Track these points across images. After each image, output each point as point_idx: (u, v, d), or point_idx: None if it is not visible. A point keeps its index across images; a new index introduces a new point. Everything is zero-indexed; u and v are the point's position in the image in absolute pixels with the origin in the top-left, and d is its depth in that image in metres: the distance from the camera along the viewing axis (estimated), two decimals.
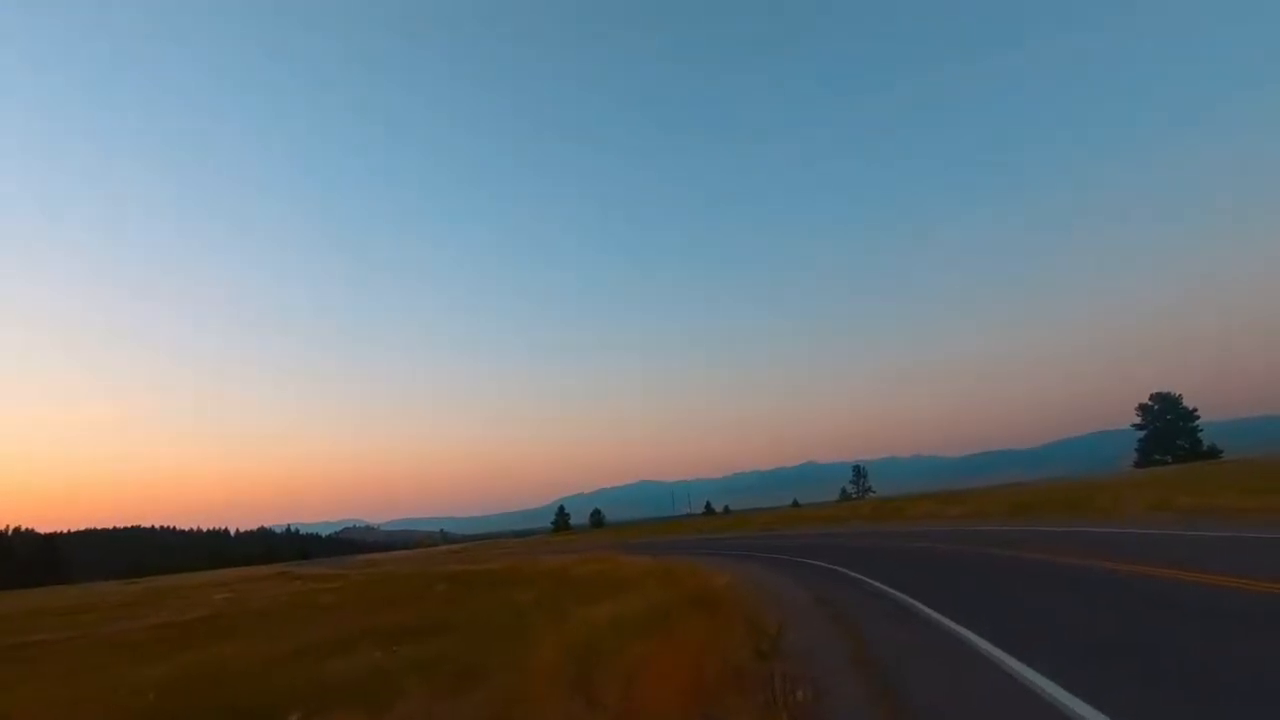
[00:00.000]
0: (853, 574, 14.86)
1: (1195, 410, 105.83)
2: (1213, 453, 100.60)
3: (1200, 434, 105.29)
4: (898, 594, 10.66)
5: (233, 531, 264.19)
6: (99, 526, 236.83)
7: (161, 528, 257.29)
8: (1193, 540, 13.17)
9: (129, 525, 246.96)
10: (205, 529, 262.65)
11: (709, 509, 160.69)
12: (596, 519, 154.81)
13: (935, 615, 8.34)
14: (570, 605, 13.63)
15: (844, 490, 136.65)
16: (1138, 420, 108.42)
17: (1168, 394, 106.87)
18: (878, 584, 12.57)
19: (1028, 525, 21.67)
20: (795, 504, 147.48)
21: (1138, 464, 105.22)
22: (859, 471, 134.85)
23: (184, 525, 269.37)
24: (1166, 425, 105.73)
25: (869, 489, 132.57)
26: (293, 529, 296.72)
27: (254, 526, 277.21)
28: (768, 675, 6.09)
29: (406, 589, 26.48)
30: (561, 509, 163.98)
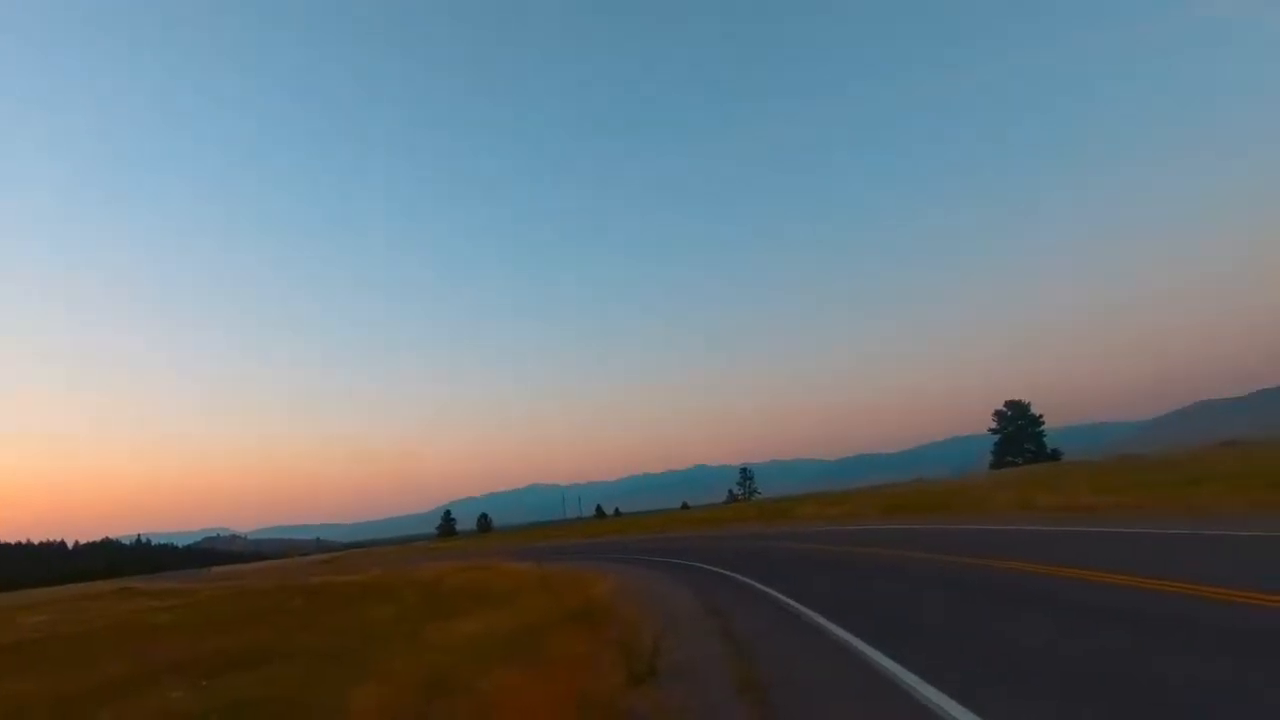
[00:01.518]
0: (739, 577, 14.34)
1: (1041, 416, 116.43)
2: (1055, 455, 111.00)
3: (1045, 438, 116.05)
4: (784, 599, 10.05)
5: (70, 544, 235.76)
6: None
7: None
8: (1060, 536, 13.56)
9: None
10: (36, 541, 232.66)
11: (600, 512, 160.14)
12: (484, 524, 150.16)
13: (822, 621, 7.72)
14: (432, 623, 12.20)
15: (731, 492, 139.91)
16: (993, 425, 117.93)
17: (1019, 401, 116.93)
18: (762, 586, 12.11)
19: (907, 524, 22.24)
20: (685, 506, 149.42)
21: (992, 466, 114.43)
22: (746, 474, 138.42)
23: (10, 538, 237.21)
24: (1017, 430, 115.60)
25: (755, 490, 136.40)
26: (143, 539, 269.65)
27: (97, 538, 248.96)
28: (642, 712, 5.10)
29: (257, 606, 23.70)
30: (448, 514, 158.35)
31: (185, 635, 16.67)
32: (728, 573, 16.02)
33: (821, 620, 7.92)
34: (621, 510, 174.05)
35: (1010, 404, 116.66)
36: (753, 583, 13.14)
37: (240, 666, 10.50)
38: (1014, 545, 13.13)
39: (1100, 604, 6.89)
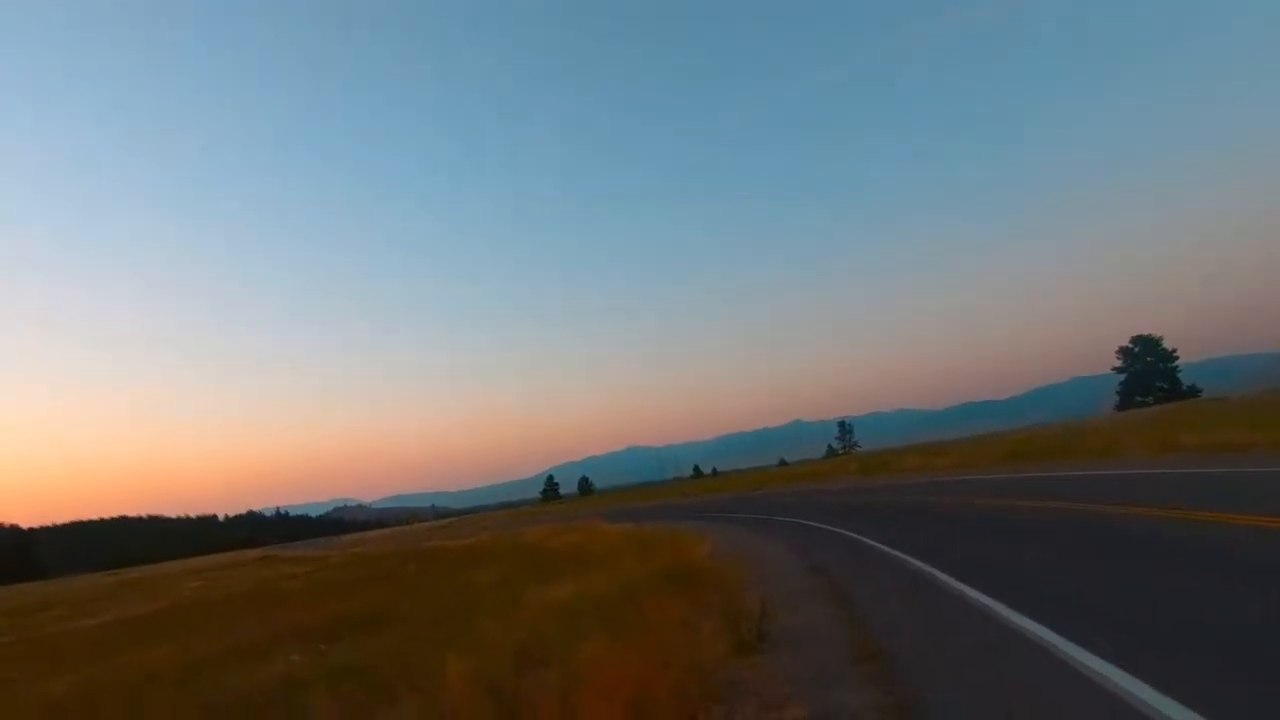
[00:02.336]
0: (843, 532, 13.54)
1: (1175, 351, 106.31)
2: (1192, 392, 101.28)
3: (1179, 375, 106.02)
4: (898, 554, 9.26)
5: (221, 517, 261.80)
6: (83, 519, 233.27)
7: (148, 517, 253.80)
8: (1228, 478, 11.92)
9: (114, 516, 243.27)
10: (193, 515, 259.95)
11: (697, 472, 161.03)
12: (585, 487, 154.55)
13: (954, 583, 6.92)
14: (532, 586, 12.23)
15: (830, 446, 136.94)
16: (1118, 364, 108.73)
17: (1148, 336, 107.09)
18: (869, 541, 11.26)
19: (1037, 472, 20.38)
20: (782, 462, 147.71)
21: (1119, 407, 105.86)
22: (844, 427, 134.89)
23: (171, 513, 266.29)
24: (1146, 368, 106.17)
25: (855, 444, 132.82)
26: (282, 511, 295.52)
27: (242, 510, 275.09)
28: (748, 684, 4.62)
29: (375, 571, 25.07)
30: (551, 478, 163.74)
31: (311, 600, 17.73)
32: (828, 527, 15.21)
33: (942, 577, 7.13)
34: (719, 469, 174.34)
35: (1137, 339, 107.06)
36: (856, 536, 12.37)
37: (355, 631, 10.88)
38: (1166, 488, 11.65)
39: None
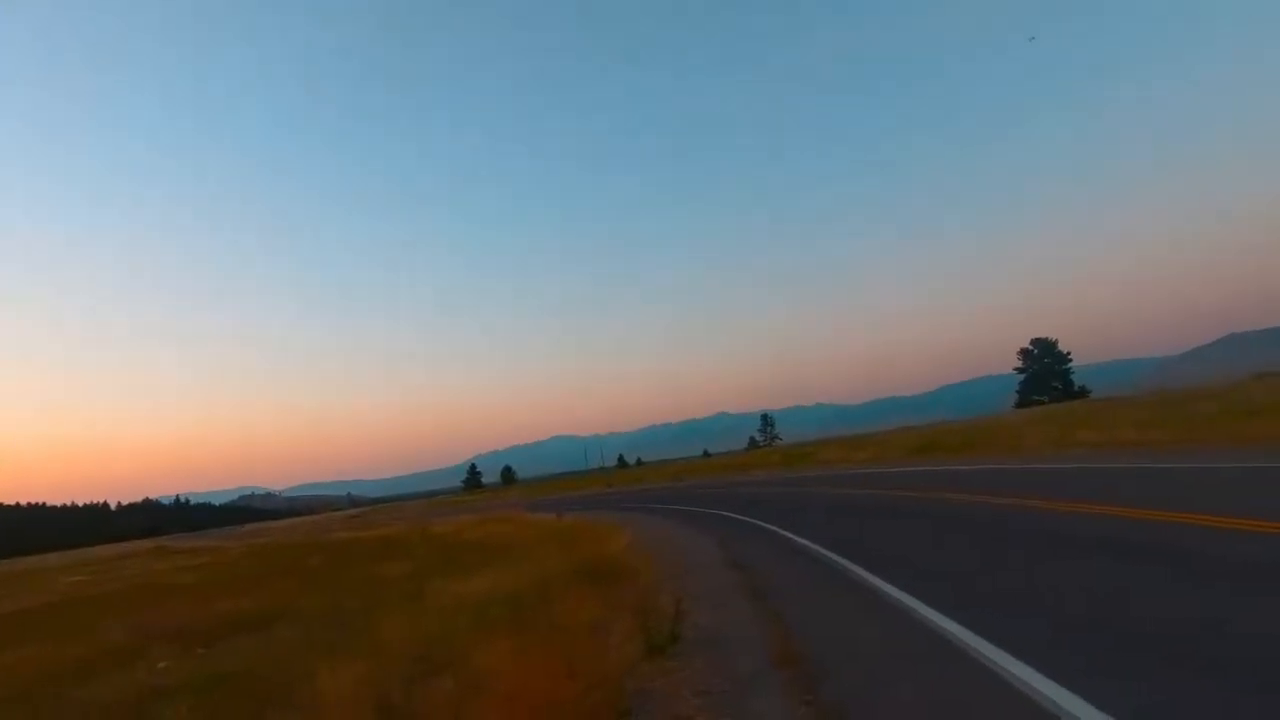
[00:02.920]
0: (766, 525, 13.44)
1: (1069, 354, 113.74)
2: (1083, 393, 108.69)
3: (1072, 376, 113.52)
4: (818, 549, 9.16)
5: (113, 505, 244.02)
6: None
7: (29, 505, 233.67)
8: (1124, 473, 12.52)
9: None
10: (81, 504, 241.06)
11: (622, 462, 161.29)
12: (508, 476, 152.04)
13: (866, 576, 6.81)
14: (440, 581, 11.59)
15: (753, 439, 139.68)
16: (1019, 364, 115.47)
17: (1045, 339, 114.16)
18: (792, 536, 11.10)
19: (939, 465, 21.24)
20: (706, 453, 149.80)
21: (1018, 405, 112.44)
22: (767, 420, 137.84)
23: (57, 500, 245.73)
24: (1044, 368, 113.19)
25: (776, 436, 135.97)
26: (182, 499, 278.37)
27: (138, 499, 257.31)
28: (657, 693, 4.27)
29: (277, 563, 23.64)
30: (473, 467, 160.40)
31: (201, 596, 16.42)
32: (751, 519, 15.10)
33: (863, 574, 7.00)
34: (644, 459, 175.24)
35: (1036, 341, 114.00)
36: (780, 531, 12.23)
37: (241, 631, 10.00)
38: (1067, 483, 12.13)
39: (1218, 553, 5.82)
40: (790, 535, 11.29)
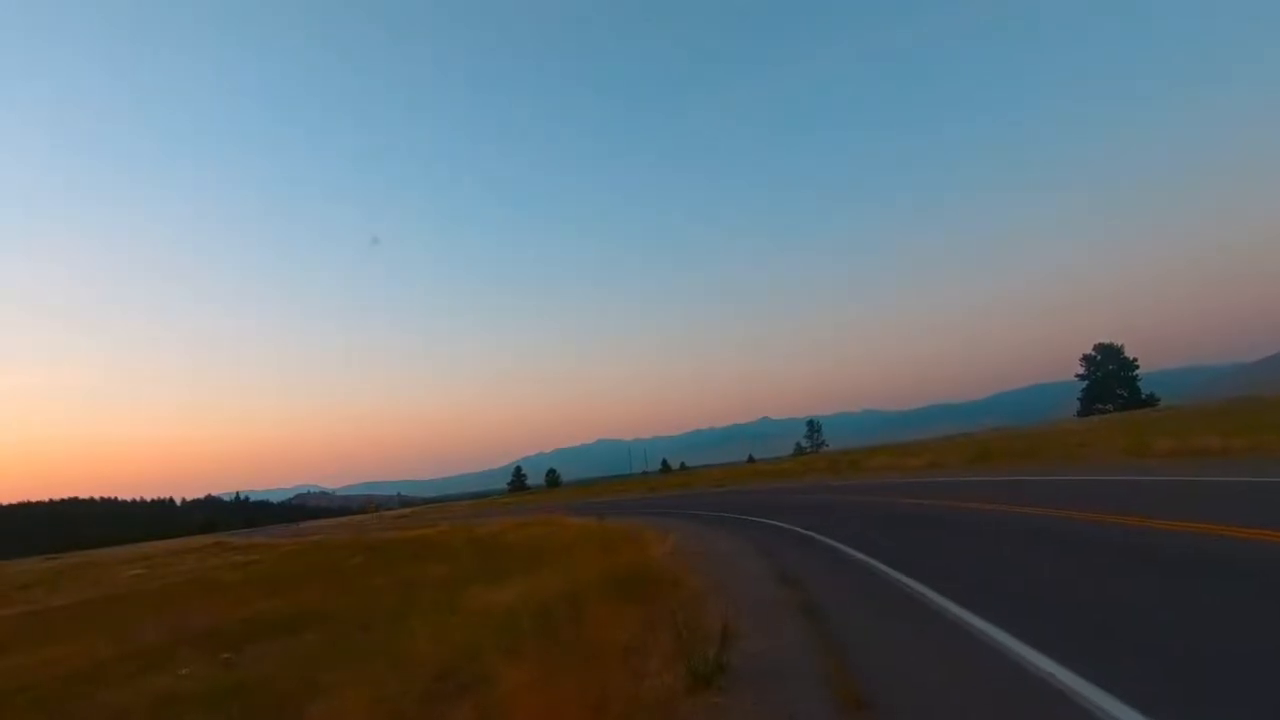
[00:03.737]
0: (818, 537, 12.41)
1: (1135, 360, 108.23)
2: (1150, 401, 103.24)
3: (1139, 383, 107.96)
4: (877, 565, 8.34)
5: (179, 501, 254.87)
6: (34, 500, 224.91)
7: (102, 499, 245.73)
8: (1215, 487, 11.30)
9: (67, 497, 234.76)
10: (149, 499, 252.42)
11: (665, 466, 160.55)
12: (552, 479, 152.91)
13: (943, 602, 6.02)
14: (477, 586, 11.18)
15: (798, 445, 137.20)
16: (1081, 371, 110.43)
17: (1110, 344, 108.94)
18: (849, 550, 10.14)
19: (1003, 474, 19.86)
20: (751, 459, 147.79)
21: (1080, 413, 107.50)
22: (813, 426, 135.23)
23: (127, 496, 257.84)
24: (1108, 375, 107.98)
25: (823, 443, 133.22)
26: (242, 496, 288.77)
27: (201, 495, 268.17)
28: None
29: (321, 562, 23.77)
30: (518, 469, 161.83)
31: (242, 594, 16.46)
32: (802, 531, 14.01)
33: (936, 598, 6.19)
34: (687, 464, 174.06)
35: (1100, 347, 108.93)
36: (830, 541, 11.28)
37: (272, 634, 9.76)
38: (1166, 497, 10.97)
39: None
40: (842, 547, 10.35)
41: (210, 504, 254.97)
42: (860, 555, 9.38)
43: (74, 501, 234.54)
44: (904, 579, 7.19)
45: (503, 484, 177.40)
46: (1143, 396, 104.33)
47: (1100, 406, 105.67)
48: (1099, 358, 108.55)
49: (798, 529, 14.38)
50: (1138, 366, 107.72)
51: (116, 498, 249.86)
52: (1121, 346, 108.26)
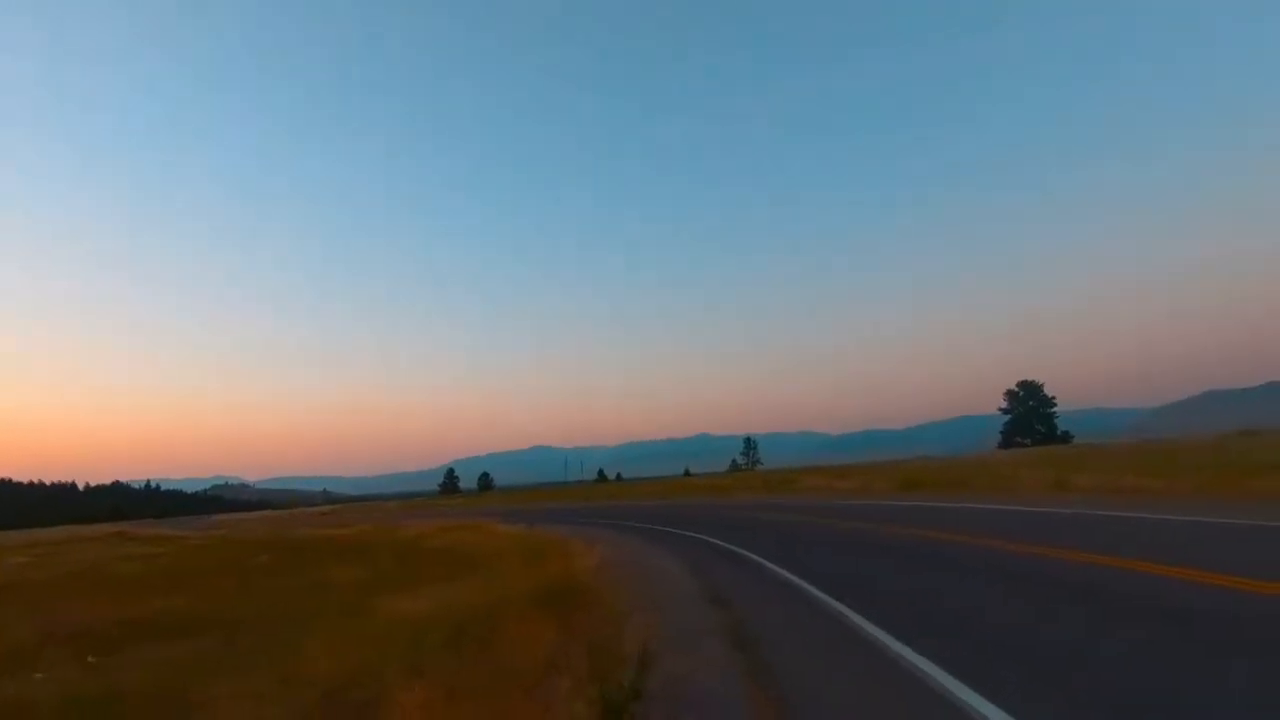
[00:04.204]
0: (750, 555, 12.31)
1: (1054, 398, 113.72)
2: (1065, 437, 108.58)
3: (1056, 420, 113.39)
4: (808, 587, 8.16)
5: (81, 486, 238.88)
6: None
7: None
8: (1134, 523, 11.62)
9: None
10: (49, 482, 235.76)
11: (601, 476, 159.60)
12: (484, 482, 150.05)
13: (865, 626, 5.83)
14: (388, 593, 10.53)
15: (734, 461, 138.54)
16: (1004, 405, 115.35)
17: (1031, 382, 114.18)
18: (779, 569, 10.01)
19: (928, 501, 20.26)
20: (687, 473, 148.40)
21: (1001, 446, 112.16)
22: (749, 443, 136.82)
23: (23, 477, 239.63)
24: (1029, 411, 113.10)
25: (758, 461, 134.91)
26: (153, 485, 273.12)
27: (108, 481, 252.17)
28: None
29: (225, 559, 22.30)
30: (451, 471, 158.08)
31: (134, 590, 15.16)
32: (733, 547, 13.88)
33: (864, 624, 6.01)
34: (623, 475, 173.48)
35: (1023, 384, 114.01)
36: (764, 562, 11.09)
37: (155, 637, 8.87)
38: (1086, 531, 11.18)
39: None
40: (776, 568, 10.12)
41: (117, 491, 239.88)
42: (791, 575, 9.22)
43: None
44: (836, 603, 7.01)
45: (434, 486, 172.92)
46: (1058, 433, 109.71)
47: (1020, 440, 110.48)
48: (1021, 394, 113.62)
49: (730, 546, 14.21)
50: (1055, 404, 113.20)
51: (10, 479, 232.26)
52: (1042, 385, 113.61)
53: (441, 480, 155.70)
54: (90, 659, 7.42)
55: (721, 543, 15.14)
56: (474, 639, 6.64)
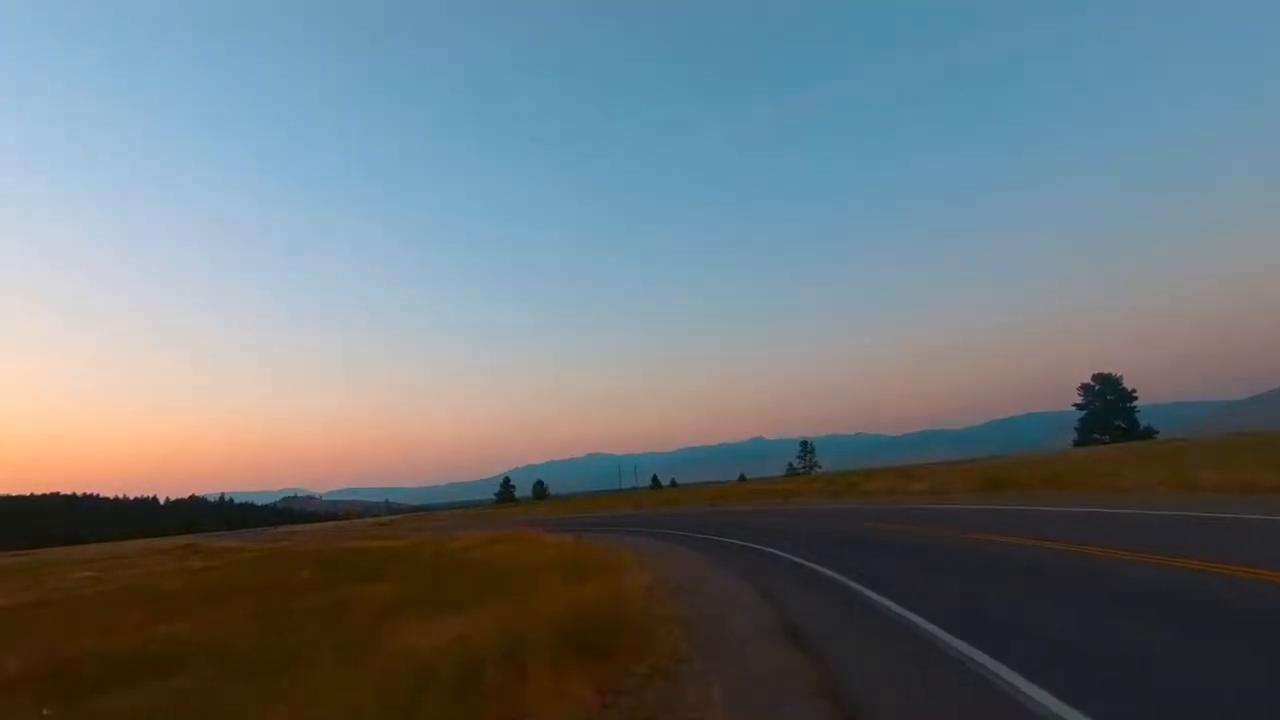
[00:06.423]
0: (825, 571, 10.07)
1: (1134, 391, 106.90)
2: (1149, 433, 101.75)
3: (1136, 415, 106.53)
4: (921, 623, 6.03)
5: (162, 499, 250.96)
6: (11, 493, 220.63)
7: (83, 495, 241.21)
8: None
9: (46, 492, 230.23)
10: (132, 497, 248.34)
11: (656, 482, 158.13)
12: (539, 490, 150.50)
13: (998, 669, 4.08)
14: (411, 617, 9.20)
15: (791, 465, 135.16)
16: (1078, 400, 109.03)
17: (1109, 375, 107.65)
18: (882, 599, 7.42)
19: (1031, 505, 17.73)
20: (743, 478, 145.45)
21: (1077, 443, 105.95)
22: (806, 446, 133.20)
23: (109, 493, 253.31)
24: (1106, 405, 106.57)
25: (816, 464, 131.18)
26: (226, 498, 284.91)
27: (185, 494, 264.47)
28: None
29: (270, 573, 21.58)
30: (507, 480, 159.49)
31: (161, 610, 14.31)
32: (811, 564, 11.08)
33: (984, 659, 4.25)
34: (677, 481, 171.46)
35: (1098, 377, 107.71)
36: (848, 582, 8.77)
37: (136, 675, 7.69)
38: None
39: None
40: (877, 597, 7.53)
41: (194, 504, 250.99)
42: (884, 601, 7.17)
43: (51, 497, 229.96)
44: (960, 643, 5.15)
45: (491, 494, 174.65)
46: (1140, 428, 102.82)
47: (1097, 436, 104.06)
48: (1097, 388, 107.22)
49: (799, 560, 12.01)
50: (1136, 398, 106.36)
51: (98, 494, 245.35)
52: (1120, 377, 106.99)
53: (499, 489, 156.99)
54: (46, 713, 6.21)
55: (789, 556, 12.83)
56: (488, 690, 5.15)
